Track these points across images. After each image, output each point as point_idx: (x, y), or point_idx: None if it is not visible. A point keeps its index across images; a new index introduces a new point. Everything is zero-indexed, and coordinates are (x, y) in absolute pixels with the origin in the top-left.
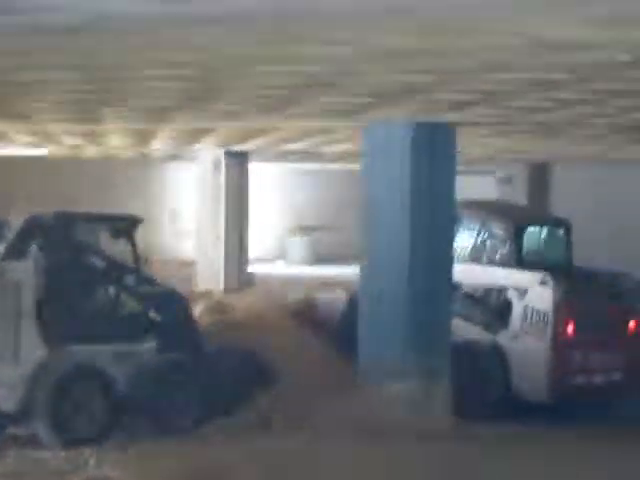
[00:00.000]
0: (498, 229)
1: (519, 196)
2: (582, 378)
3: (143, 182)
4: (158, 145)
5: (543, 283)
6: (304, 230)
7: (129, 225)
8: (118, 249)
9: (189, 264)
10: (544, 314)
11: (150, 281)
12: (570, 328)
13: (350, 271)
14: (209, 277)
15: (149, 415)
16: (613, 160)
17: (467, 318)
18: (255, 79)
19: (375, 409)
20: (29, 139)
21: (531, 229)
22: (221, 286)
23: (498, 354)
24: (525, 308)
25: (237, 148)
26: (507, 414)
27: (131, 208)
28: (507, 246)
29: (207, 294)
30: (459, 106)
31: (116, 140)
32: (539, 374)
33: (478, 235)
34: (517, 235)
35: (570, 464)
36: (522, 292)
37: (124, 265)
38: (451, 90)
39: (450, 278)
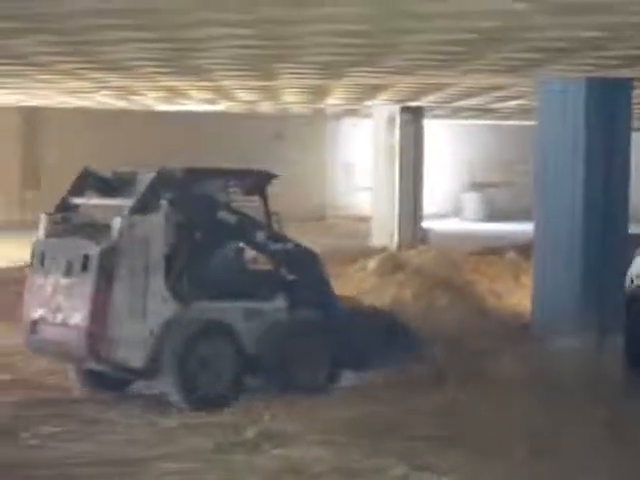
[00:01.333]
0: None
1: None
2: None
3: (318, 137)
4: (333, 101)
5: None
6: (478, 186)
7: (262, 181)
8: (251, 205)
9: (364, 219)
10: None
11: (282, 238)
12: None
13: (524, 228)
14: (384, 233)
15: (279, 374)
16: None
17: None
18: (430, 35)
19: (549, 363)
20: (206, 95)
21: None
22: (395, 242)
23: None
24: None
25: (412, 104)
26: None
27: (306, 163)
28: None
29: (382, 250)
30: (633, 62)
31: (291, 96)
32: None
33: None
34: None
35: None
36: None
37: (255, 221)
38: (624, 46)
39: (625, 236)
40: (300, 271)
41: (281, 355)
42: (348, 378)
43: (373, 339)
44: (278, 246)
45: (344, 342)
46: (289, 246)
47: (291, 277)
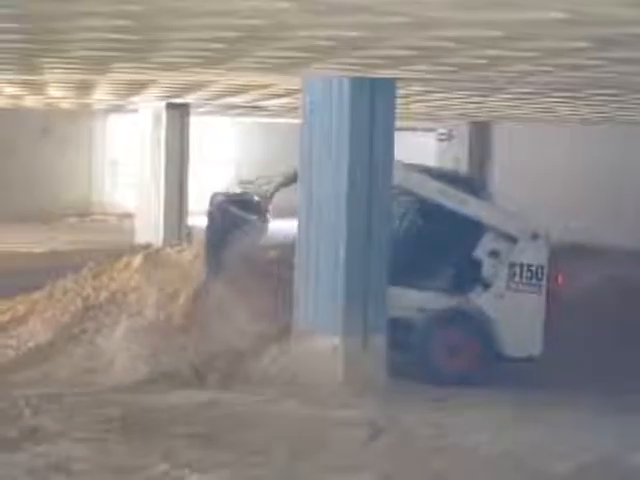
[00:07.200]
0: None
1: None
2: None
3: (85, 133)
4: (99, 96)
5: (535, 237)
6: (245, 184)
7: None
8: None
9: (130, 216)
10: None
11: None
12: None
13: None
14: (149, 230)
15: None
16: None
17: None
18: (193, 32)
19: (310, 362)
20: None
21: None
22: (160, 239)
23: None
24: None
25: (178, 101)
26: None
27: (72, 158)
28: None
29: (146, 246)
30: (395, 63)
31: (57, 91)
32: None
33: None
34: None
35: None
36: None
37: None
38: (385, 46)
39: (386, 238)
40: None
41: None
42: None
43: None
44: None
45: None
46: None
47: None
